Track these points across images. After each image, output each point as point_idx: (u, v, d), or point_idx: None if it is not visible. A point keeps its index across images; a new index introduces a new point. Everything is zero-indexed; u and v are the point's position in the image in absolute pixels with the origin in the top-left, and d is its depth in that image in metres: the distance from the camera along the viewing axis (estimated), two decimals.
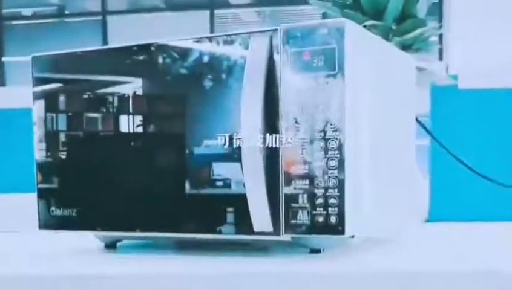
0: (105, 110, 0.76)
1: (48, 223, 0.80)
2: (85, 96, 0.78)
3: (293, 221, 0.66)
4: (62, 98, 0.79)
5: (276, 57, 0.66)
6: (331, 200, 0.64)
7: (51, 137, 0.80)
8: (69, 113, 0.79)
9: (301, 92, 0.65)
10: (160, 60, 0.73)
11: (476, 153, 1.01)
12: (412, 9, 1.01)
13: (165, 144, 0.73)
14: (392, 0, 0.99)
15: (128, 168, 0.76)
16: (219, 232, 0.69)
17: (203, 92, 0.70)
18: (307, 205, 0.65)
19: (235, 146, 0.68)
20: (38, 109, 0.80)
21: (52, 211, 0.79)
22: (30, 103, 0.81)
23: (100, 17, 5.96)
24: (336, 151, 0.64)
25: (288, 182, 0.66)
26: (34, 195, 0.80)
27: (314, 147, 0.65)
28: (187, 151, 0.71)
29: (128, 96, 0.75)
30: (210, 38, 0.71)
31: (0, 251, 0.86)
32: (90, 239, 0.81)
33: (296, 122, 0.66)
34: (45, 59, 0.81)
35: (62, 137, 0.79)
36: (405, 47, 1.00)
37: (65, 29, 6.23)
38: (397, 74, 0.82)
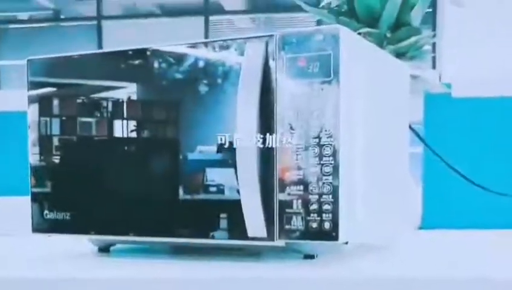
0: (99, 115, 0.76)
1: (42, 226, 0.80)
2: (79, 100, 0.78)
3: (287, 226, 0.66)
4: (56, 102, 0.79)
5: (271, 62, 0.67)
6: (325, 206, 0.64)
7: (45, 141, 0.80)
8: (64, 118, 0.79)
9: (296, 98, 0.65)
10: (156, 64, 0.73)
11: (469, 161, 1.02)
12: (406, 17, 1.01)
13: (159, 149, 0.73)
14: (387, 8, 0.99)
15: (122, 172, 0.76)
16: (213, 238, 0.69)
17: (198, 97, 0.70)
18: (301, 211, 0.65)
19: (229, 151, 0.68)
20: (32, 112, 0.80)
21: (46, 214, 0.79)
22: (25, 106, 0.81)
23: (95, 22, 5.95)
24: (331, 158, 0.64)
25: (282, 188, 0.66)
26: (29, 198, 0.80)
27: (308, 153, 0.65)
28: (181, 157, 0.71)
29: (122, 101, 0.75)
30: (206, 44, 0.71)
31: None
32: (83, 243, 0.81)
33: (291, 128, 0.66)
34: (40, 62, 0.81)
35: (56, 141, 0.79)
36: (399, 55, 1.00)
37: (60, 34, 6.22)
38: (392, 81, 0.83)
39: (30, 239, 0.82)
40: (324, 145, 0.64)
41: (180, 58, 0.72)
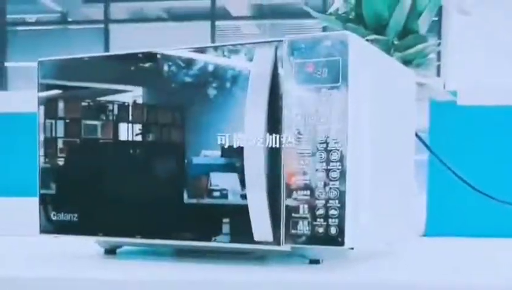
0: (104, 118, 0.77)
1: (49, 227, 0.80)
2: (86, 103, 0.78)
3: (293, 231, 0.66)
4: (65, 104, 0.80)
5: (280, 68, 0.67)
6: (332, 211, 0.65)
7: (53, 143, 0.80)
8: (69, 120, 0.80)
9: (304, 103, 0.66)
10: (165, 68, 0.74)
11: (474, 169, 1.02)
12: (413, 25, 1.02)
13: (164, 153, 0.74)
14: (394, 16, 1.00)
15: (128, 175, 0.76)
16: (215, 242, 0.70)
17: (206, 101, 0.71)
18: (308, 216, 0.66)
19: (233, 155, 0.68)
20: (42, 114, 0.81)
21: (53, 215, 0.80)
22: (33, 108, 0.82)
23: (102, 25, 5.98)
24: (338, 163, 0.65)
25: (289, 192, 0.66)
26: (36, 199, 0.81)
27: (316, 158, 0.65)
28: (186, 161, 0.71)
29: (128, 105, 0.76)
30: (215, 48, 0.71)
31: (0, 254, 0.86)
32: (90, 245, 0.82)
33: (298, 132, 0.66)
34: (50, 64, 0.82)
35: (64, 143, 0.80)
36: (406, 62, 1.01)
37: (67, 36, 6.25)
38: (398, 88, 0.83)
39: (37, 240, 0.83)
40: (331, 150, 0.65)
41: (189, 62, 0.72)
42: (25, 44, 6.11)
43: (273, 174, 0.67)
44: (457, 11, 1.09)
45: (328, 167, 0.65)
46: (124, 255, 0.81)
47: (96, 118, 0.78)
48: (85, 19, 6.45)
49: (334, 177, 0.65)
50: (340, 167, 0.64)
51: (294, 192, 0.66)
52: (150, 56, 0.75)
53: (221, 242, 0.69)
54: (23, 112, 1.04)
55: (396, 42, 1.02)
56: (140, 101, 0.75)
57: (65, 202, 0.79)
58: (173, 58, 0.73)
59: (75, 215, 0.78)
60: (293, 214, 0.66)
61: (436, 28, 4.63)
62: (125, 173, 0.76)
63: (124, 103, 0.76)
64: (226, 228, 0.69)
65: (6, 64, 6.09)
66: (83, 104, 0.79)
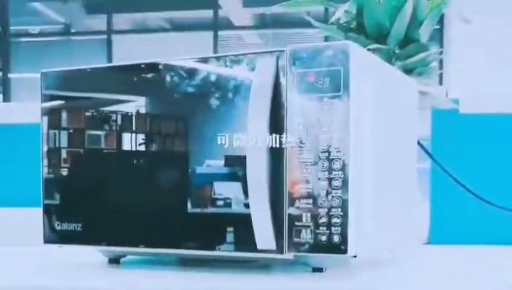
0: (108, 128, 0.78)
1: (53, 237, 0.80)
2: (89, 113, 0.79)
3: (296, 239, 0.66)
4: (68, 115, 0.81)
5: (282, 77, 0.68)
6: (335, 220, 0.65)
7: (57, 153, 0.81)
8: (72, 131, 0.80)
9: (306, 113, 0.66)
10: (167, 78, 0.74)
11: (477, 176, 1.02)
12: (415, 34, 1.02)
13: (168, 162, 0.74)
14: (395, 25, 1.00)
15: (132, 185, 0.77)
16: (219, 251, 0.70)
17: (208, 111, 0.71)
18: (311, 224, 0.66)
19: (236, 165, 0.69)
20: (46, 124, 0.82)
21: (57, 225, 0.80)
22: (36, 119, 0.82)
23: (105, 36, 6.00)
24: (340, 172, 0.65)
25: (292, 201, 0.67)
26: (40, 210, 0.81)
27: (318, 166, 0.66)
28: (189, 170, 0.72)
29: (131, 115, 0.76)
30: (217, 58, 0.72)
31: (4, 264, 0.87)
32: (94, 254, 0.82)
33: (301, 142, 0.67)
34: (53, 75, 0.82)
35: (67, 153, 0.80)
36: (408, 71, 1.01)
37: (70, 48, 6.28)
38: (400, 96, 0.84)
39: (41, 250, 0.83)
40: (334, 159, 0.65)
41: (191, 72, 0.73)
42: (28, 55, 6.14)
43: (276, 183, 0.67)
44: (459, 19, 1.09)
45: (331, 176, 0.65)
46: (128, 264, 0.82)
47: (99, 128, 0.78)
48: (87, 30, 6.48)
49: (337, 186, 0.65)
50: (342, 176, 0.65)
51: (297, 200, 0.66)
52: (153, 66, 0.75)
53: (225, 251, 0.70)
54: (26, 123, 1.05)
55: (397, 51, 1.02)
56: (143, 111, 0.76)
57: (68, 211, 0.80)
58: (176, 69, 0.74)
59: (79, 225, 0.79)
60: (296, 223, 0.66)
61: (438, 36, 4.63)
62: (129, 182, 0.77)
63: (127, 113, 0.77)
64: (230, 237, 0.69)
65: (9, 75, 6.12)
66: (87, 114, 0.79)
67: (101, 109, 0.78)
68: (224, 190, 0.70)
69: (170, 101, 0.74)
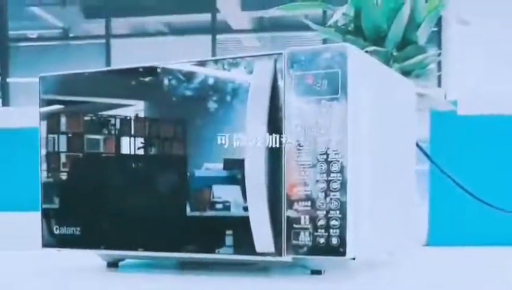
0: (106, 132, 0.78)
1: (51, 241, 0.80)
2: (88, 118, 0.79)
3: (294, 242, 0.66)
4: (67, 119, 0.81)
5: (280, 80, 0.68)
6: (333, 222, 0.65)
7: (55, 157, 0.81)
8: (71, 135, 0.80)
9: (304, 115, 0.66)
10: (165, 82, 0.74)
11: (475, 178, 1.02)
12: (413, 36, 1.03)
13: (166, 166, 0.74)
14: (393, 27, 1.00)
15: (130, 189, 0.77)
16: (219, 254, 0.70)
17: (206, 114, 0.72)
18: (309, 227, 0.66)
19: (235, 168, 0.69)
20: (44, 129, 0.82)
21: (56, 229, 0.80)
22: (35, 123, 0.82)
23: (103, 40, 6.01)
24: (338, 174, 0.65)
25: (290, 204, 0.67)
26: (39, 214, 0.81)
27: (316, 169, 0.66)
28: (188, 174, 0.72)
29: (130, 119, 0.76)
30: (215, 61, 0.72)
31: (3, 268, 0.87)
32: (93, 258, 0.82)
33: (299, 144, 0.67)
34: (52, 79, 0.82)
35: (66, 158, 0.80)
36: (406, 73, 1.01)
37: (69, 52, 6.28)
38: (398, 98, 0.84)
39: (39, 254, 0.83)
40: (332, 161, 0.65)
41: (189, 75, 0.73)
42: (26, 60, 6.14)
43: (274, 185, 0.67)
44: (457, 21, 1.10)
45: (329, 178, 0.65)
46: (127, 268, 0.82)
47: (98, 132, 0.78)
48: (86, 34, 6.49)
49: (335, 188, 0.65)
50: (340, 178, 0.65)
51: (295, 203, 0.66)
52: (151, 70, 0.75)
53: (224, 254, 0.70)
54: (25, 127, 1.05)
55: (395, 53, 1.03)
56: (141, 115, 0.76)
57: (67, 215, 0.80)
58: (174, 72, 0.74)
59: (78, 228, 0.79)
60: (294, 225, 0.66)
61: (436, 38, 4.64)
62: (127, 186, 0.77)
63: (126, 117, 0.77)
64: (229, 240, 0.69)
65: (8, 80, 6.12)
66: (85, 118, 0.79)
67: (100, 113, 0.78)
68: (223, 193, 0.70)
69: (168, 105, 0.74)
